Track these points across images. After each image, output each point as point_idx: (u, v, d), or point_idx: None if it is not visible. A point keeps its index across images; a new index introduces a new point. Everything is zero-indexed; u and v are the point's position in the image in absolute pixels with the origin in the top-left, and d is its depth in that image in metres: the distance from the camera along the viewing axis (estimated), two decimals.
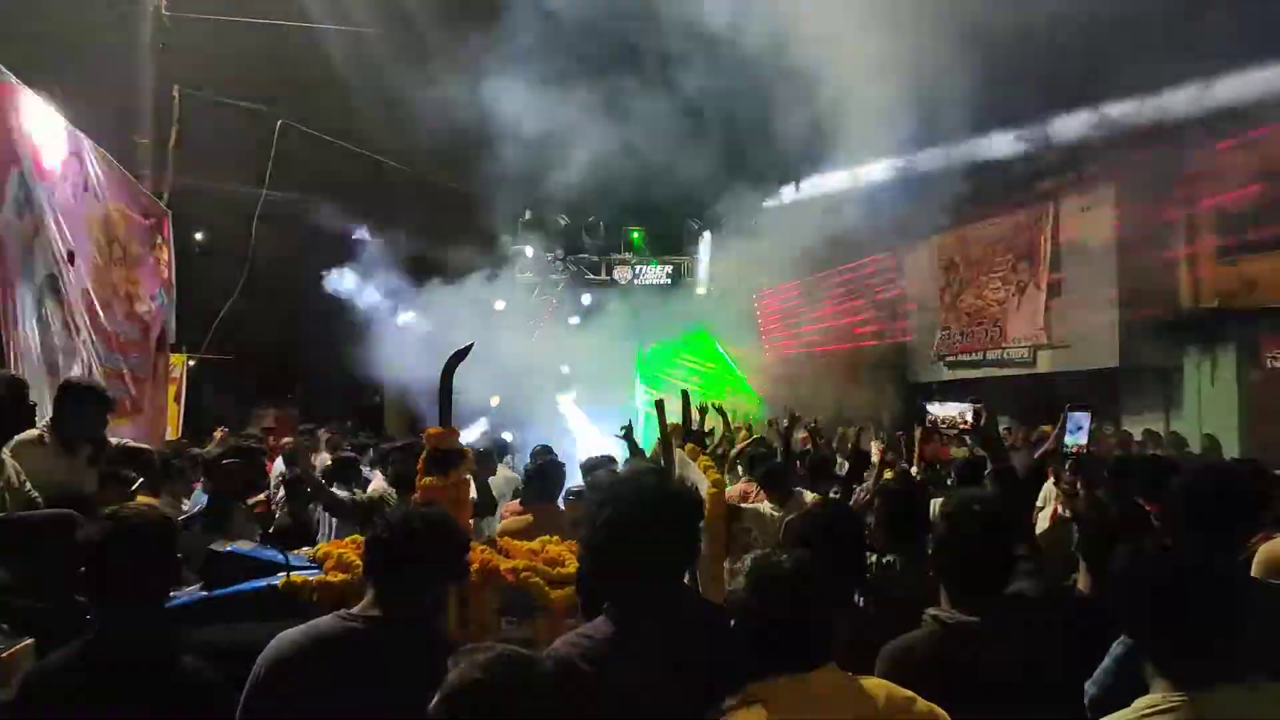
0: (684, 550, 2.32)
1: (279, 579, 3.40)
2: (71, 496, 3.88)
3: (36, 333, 6.45)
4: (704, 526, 3.45)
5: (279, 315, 15.12)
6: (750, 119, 13.17)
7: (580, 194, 14.14)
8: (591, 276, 17.92)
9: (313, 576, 3.45)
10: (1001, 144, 13.68)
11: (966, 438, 4.69)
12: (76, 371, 6.86)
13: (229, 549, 3.78)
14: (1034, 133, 13.44)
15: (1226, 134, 12.11)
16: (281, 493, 6.56)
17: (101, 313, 7.57)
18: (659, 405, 4.43)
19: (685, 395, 4.53)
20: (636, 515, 2.21)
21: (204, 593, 3.50)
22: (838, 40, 11.19)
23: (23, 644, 2.96)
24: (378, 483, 7.96)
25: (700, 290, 17.71)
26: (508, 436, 11.18)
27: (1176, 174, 12.83)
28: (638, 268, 17.99)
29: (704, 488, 3.63)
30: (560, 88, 12.58)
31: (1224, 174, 12.52)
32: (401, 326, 14.34)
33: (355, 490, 7.21)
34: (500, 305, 15.22)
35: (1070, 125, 12.82)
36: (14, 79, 6.24)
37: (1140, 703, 1.97)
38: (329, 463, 7.70)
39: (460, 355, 3.94)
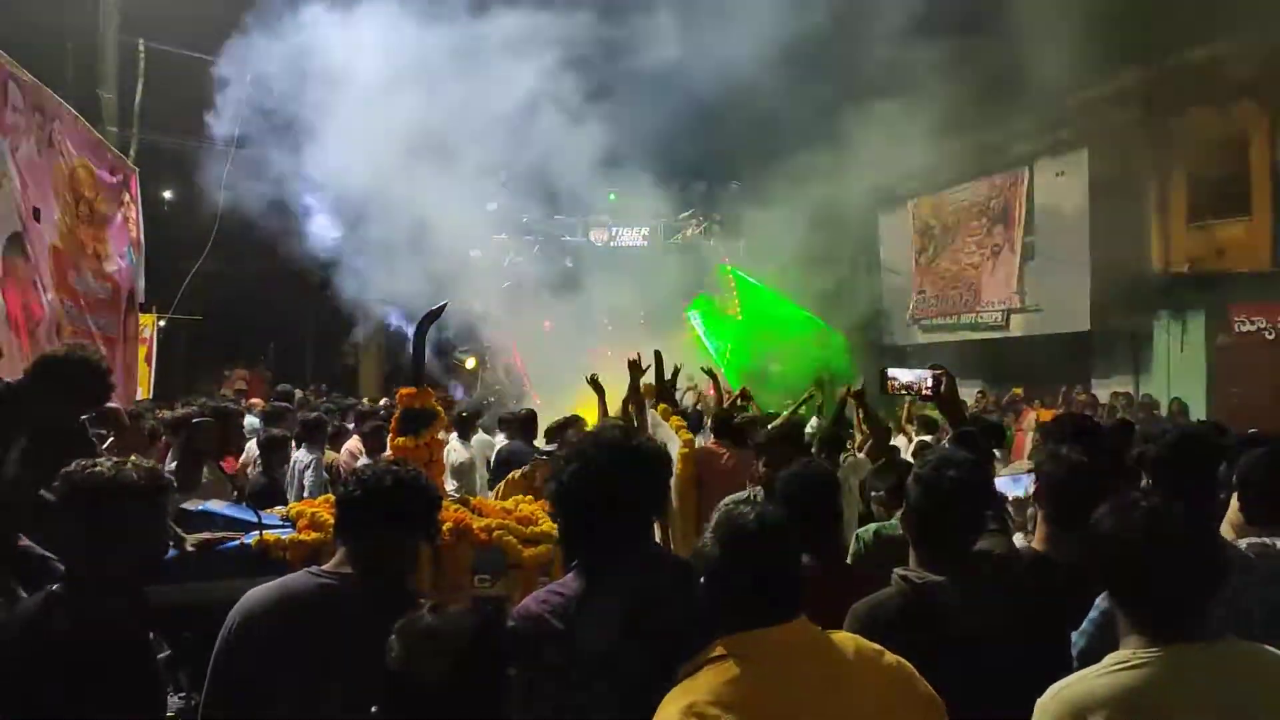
0: (648, 504, 2.34)
1: (251, 537, 3.40)
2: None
3: (1, 294, 6.33)
4: (674, 485, 3.49)
5: (249, 275, 14.94)
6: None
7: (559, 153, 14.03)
8: (568, 239, 17.84)
9: (285, 535, 3.45)
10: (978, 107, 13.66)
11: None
12: (45, 332, 6.76)
13: (200, 507, 3.76)
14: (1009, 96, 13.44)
15: (1198, 99, 12.21)
16: (256, 453, 6.53)
17: (70, 272, 7.44)
18: (632, 365, 4.43)
19: (658, 355, 4.54)
20: (599, 470, 2.23)
21: (174, 550, 3.49)
22: None
23: None
24: (353, 443, 8.00)
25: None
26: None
27: (1149, 139, 12.92)
28: (614, 229, 17.93)
29: (675, 448, 3.65)
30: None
31: (1195, 139, 12.64)
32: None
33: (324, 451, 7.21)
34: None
35: (1046, 89, 12.82)
36: None
37: (1111, 658, 2.00)
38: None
39: (433, 315, 3.92)
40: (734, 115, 13.51)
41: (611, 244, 17.80)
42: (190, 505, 3.79)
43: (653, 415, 4.00)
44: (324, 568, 2.35)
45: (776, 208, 14.94)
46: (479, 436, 9.13)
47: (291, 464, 6.65)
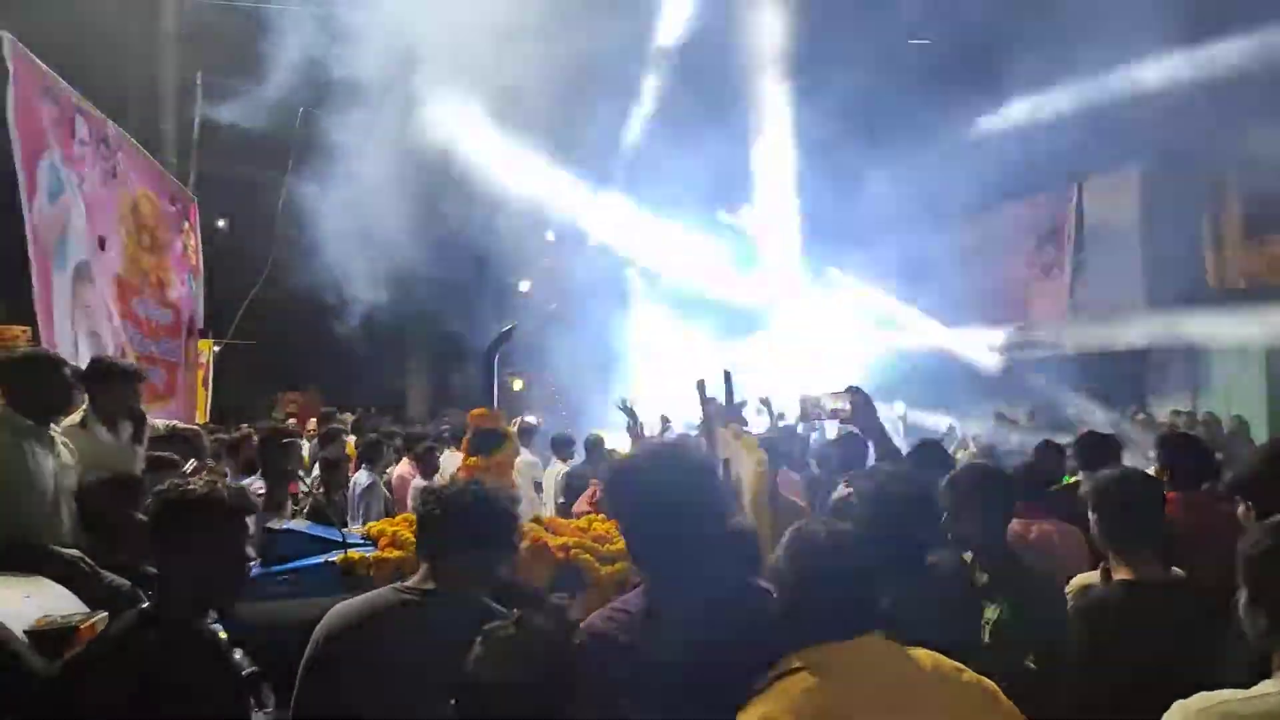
0: (709, 524, 2.32)
1: (335, 555, 3.45)
2: (122, 478, 3.91)
3: (71, 320, 6.53)
4: (750, 504, 3.48)
5: (302, 302, 15.20)
6: None
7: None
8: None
9: (369, 553, 3.50)
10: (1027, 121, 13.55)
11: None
12: (111, 355, 6.94)
13: (285, 526, 3.85)
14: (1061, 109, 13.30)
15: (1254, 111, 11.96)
16: (316, 473, 6.64)
17: (133, 298, 7.66)
18: (699, 385, 4.43)
19: (727, 374, 4.53)
20: (658, 492, 2.23)
21: (261, 568, 3.57)
22: None
23: (99, 616, 2.97)
24: (404, 466, 8.08)
25: None
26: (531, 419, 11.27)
27: (1204, 153, 12.69)
28: None
29: (749, 468, 3.63)
30: None
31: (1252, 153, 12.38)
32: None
33: (383, 473, 7.32)
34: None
35: (1098, 102, 12.67)
36: (43, 66, 6.29)
37: (1262, 685, 1.85)
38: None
39: (503, 338, 4.02)
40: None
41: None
42: (275, 524, 3.87)
43: (723, 434, 3.99)
44: (407, 584, 2.38)
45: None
46: (523, 457, 9.20)
47: (351, 486, 6.74)
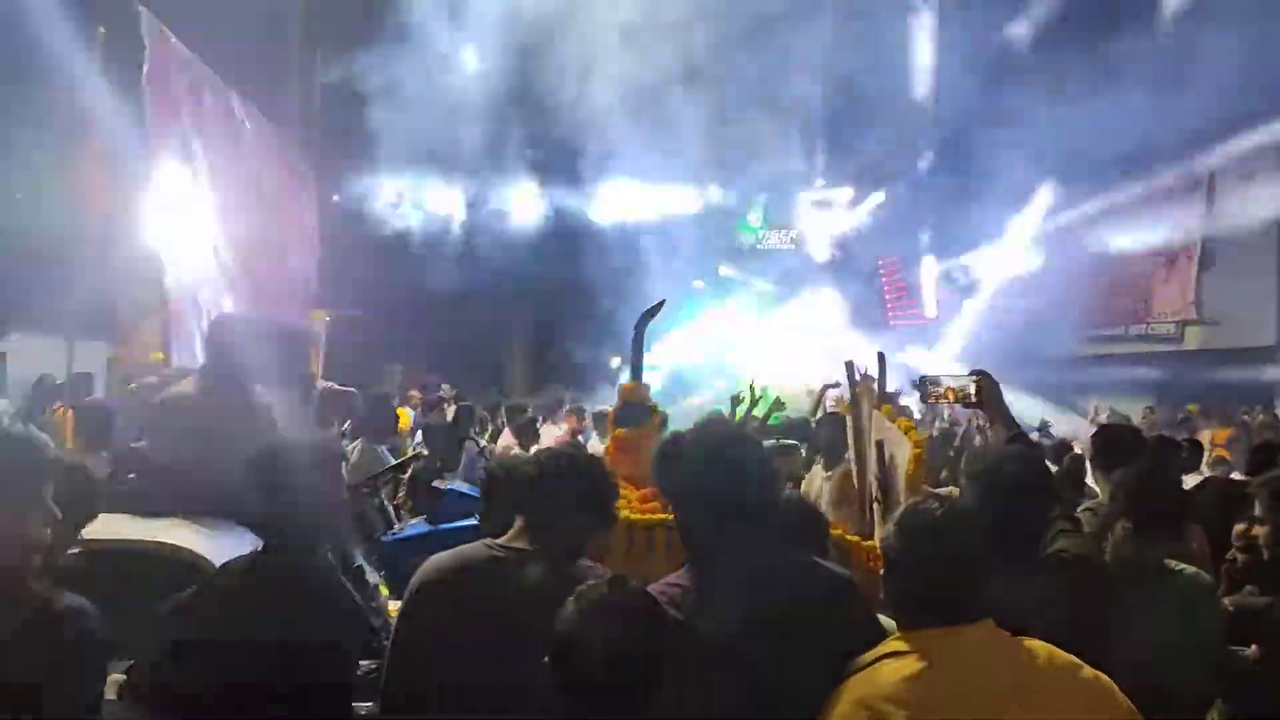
0: (757, 500, 2.31)
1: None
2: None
3: (197, 284, 6.85)
4: (906, 488, 3.42)
5: (410, 276, 15.61)
6: None
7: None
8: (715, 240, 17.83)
9: None
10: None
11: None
12: None
13: (449, 486, 4.01)
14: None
15: None
16: (419, 438, 6.89)
17: (256, 266, 7.99)
18: (849, 366, 4.33)
19: (881, 356, 4.44)
20: (704, 467, 2.25)
21: (428, 526, 3.72)
22: None
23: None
24: (506, 438, 8.27)
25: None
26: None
27: None
28: (763, 232, 17.85)
29: (907, 450, 3.54)
30: None
31: None
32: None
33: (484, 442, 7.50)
34: None
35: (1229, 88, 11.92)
36: (177, 42, 6.59)
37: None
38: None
39: (652, 312, 4.09)
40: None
41: (758, 246, 17.72)
42: (440, 484, 4.04)
43: (877, 417, 3.89)
44: (500, 540, 2.45)
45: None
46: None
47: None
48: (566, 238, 15.38)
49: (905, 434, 3.77)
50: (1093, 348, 16.44)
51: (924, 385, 3.94)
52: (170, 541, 3.27)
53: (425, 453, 6.17)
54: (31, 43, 6.12)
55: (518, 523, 2.46)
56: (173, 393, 3.98)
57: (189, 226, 6.82)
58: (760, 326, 15.53)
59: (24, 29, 6.02)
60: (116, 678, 2.39)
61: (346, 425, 6.10)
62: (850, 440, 4.26)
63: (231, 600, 2.41)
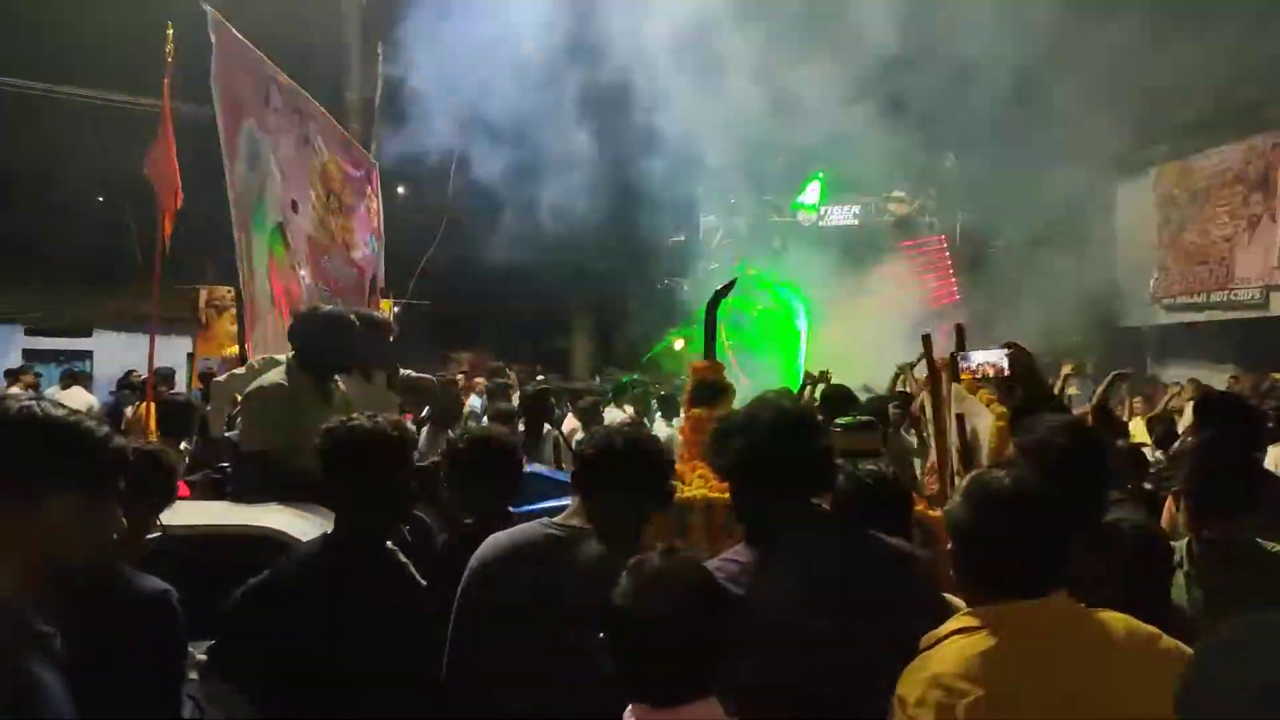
0: (811, 474, 2.34)
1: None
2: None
3: (268, 278, 7.02)
4: (986, 459, 3.38)
5: (473, 264, 15.80)
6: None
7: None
8: (776, 219, 17.67)
9: None
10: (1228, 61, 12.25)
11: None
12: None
13: (529, 469, 4.09)
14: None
15: None
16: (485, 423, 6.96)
17: (322, 258, 8.16)
18: (925, 338, 4.29)
19: (959, 328, 4.38)
20: (754, 444, 2.27)
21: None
22: None
23: None
24: (570, 421, 8.36)
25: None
26: None
27: None
28: (824, 208, 17.57)
29: (988, 422, 3.49)
30: None
31: None
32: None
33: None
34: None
35: None
36: (242, 38, 6.73)
37: None
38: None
39: (725, 290, 4.13)
40: (953, 80, 12.78)
41: (820, 223, 17.45)
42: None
43: (956, 389, 3.84)
44: (555, 520, 2.49)
45: (998, 180, 14.06)
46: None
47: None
48: (625, 216, 15.41)
49: (987, 406, 3.70)
50: (1170, 316, 15.89)
51: (954, 362, 3.86)
52: (263, 525, 3.40)
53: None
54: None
55: (574, 502, 2.49)
56: (263, 383, 4.14)
57: (263, 222, 7.00)
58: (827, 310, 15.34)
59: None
60: (200, 657, 2.48)
61: (425, 411, 6.23)
62: (928, 415, 4.21)
63: (300, 580, 2.48)
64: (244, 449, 4.14)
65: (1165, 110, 13.65)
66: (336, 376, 4.26)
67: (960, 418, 3.74)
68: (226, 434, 5.43)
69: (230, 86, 6.47)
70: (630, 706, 1.75)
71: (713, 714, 1.74)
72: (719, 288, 4.32)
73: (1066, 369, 6.66)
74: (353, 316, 4.39)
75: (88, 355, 15.55)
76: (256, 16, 7.50)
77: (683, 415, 4.32)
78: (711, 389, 3.96)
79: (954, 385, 3.87)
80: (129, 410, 9.81)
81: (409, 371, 6.30)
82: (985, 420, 3.56)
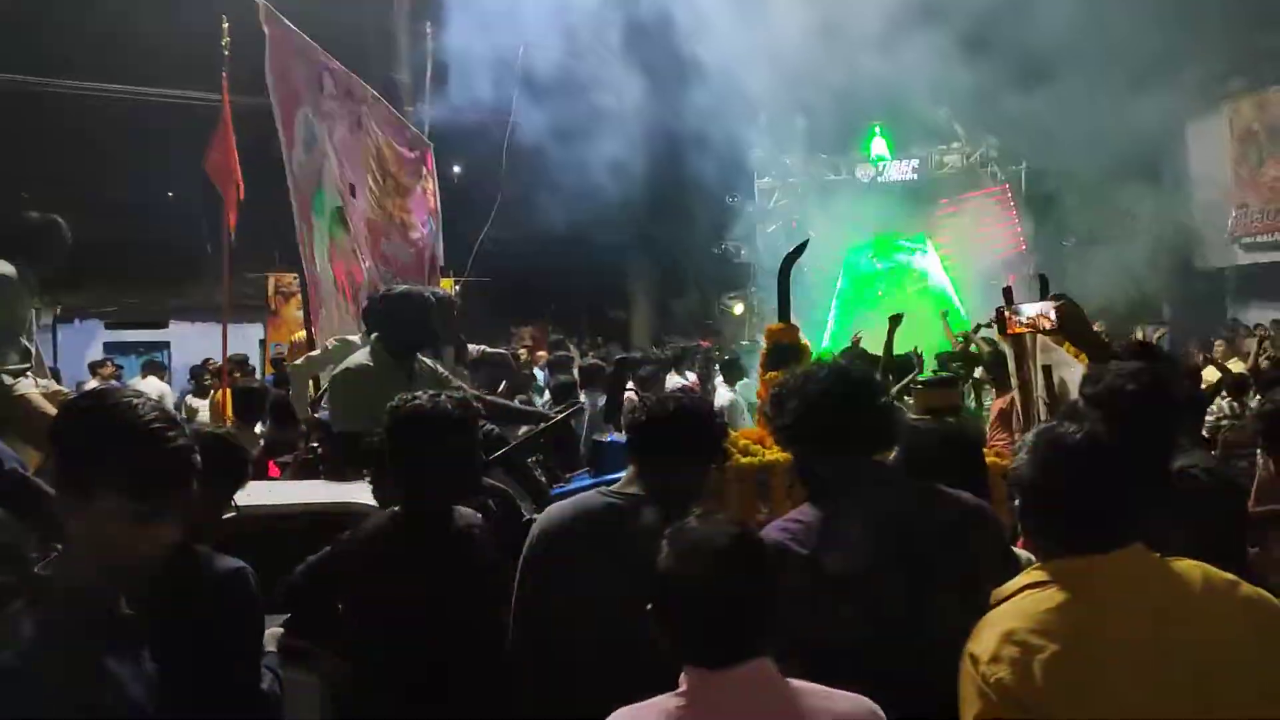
0: (873, 432, 2.33)
1: None
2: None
3: (329, 262, 7.16)
4: None
5: (531, 239, 15.89)
6: None
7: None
8: (832, 177, 17.39)
9: None
10: None
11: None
12: (364, 294, 7.58)
13: (610, 438, 4.18)
14: None
15: None
16: (547, 397, 7.06)
17: (381, 240, 8.29)
18: (1006, 291, 4.22)
19: (1043, 278, 4.31)
20: (814, 402, 2.27)
21: (590, 478, 3.92)
22: None
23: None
24: (629, 393, 8.41)
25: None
26: None
27: None
28: (880, 164, 17.21)
29: (1076, 372, 3.43)
30: None
31: None
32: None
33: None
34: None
35: None
36: (293, 27, 6.82)
37: None
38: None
39: (797, 251, 4.14)
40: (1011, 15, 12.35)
41: (879, 179, 17.12)
42: (600, 436, 4.23)
43: (1043, 340, 3.77)
44: (613, 488, 2.51)
45: (1063, 122, 13.56)
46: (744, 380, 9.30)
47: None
48: (679, 180, 15.31)
49: (1076, 357, 3.64)
50: (1250, 256, 15.27)
51: (1001, 317, 3.78)
52: (351, 500, 3.53)
53: (585, 404, 6.34)
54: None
55: (629, 469, 2.52)
56: (350, 365, 4.31)
57: (323, 207, 7.12)
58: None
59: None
60: (275, 631, 2.58)
61: (502, 387, 6.36)
62: (1011, 367, 4.15)
63: (364, 551, 2.57)
64: (335, 429, 4.31)
65: (1241, 39, 12.99)
66: (419, 354, 4.40)
67: (1047, 369, 3.67)
68: (316, 415, 5.62)
69: (285, 75, 6.58)
70: (684, 670, 1.76)
71: (766, 673, 1.74)
72: (790, 250, 4.29)
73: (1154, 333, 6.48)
74: (425, 295, 4.51)
75: (165, 346, 16.11)
76: (305, 4, 7.58)
77: (758, 378, 4.36)
78: (787, 351, 3.99)
79: (1039, 337, 3.79)
80: (202, 399, 10.17)
81: (484, 347, 6.46)
82: (1074, 371, 3.49)
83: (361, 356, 4.34)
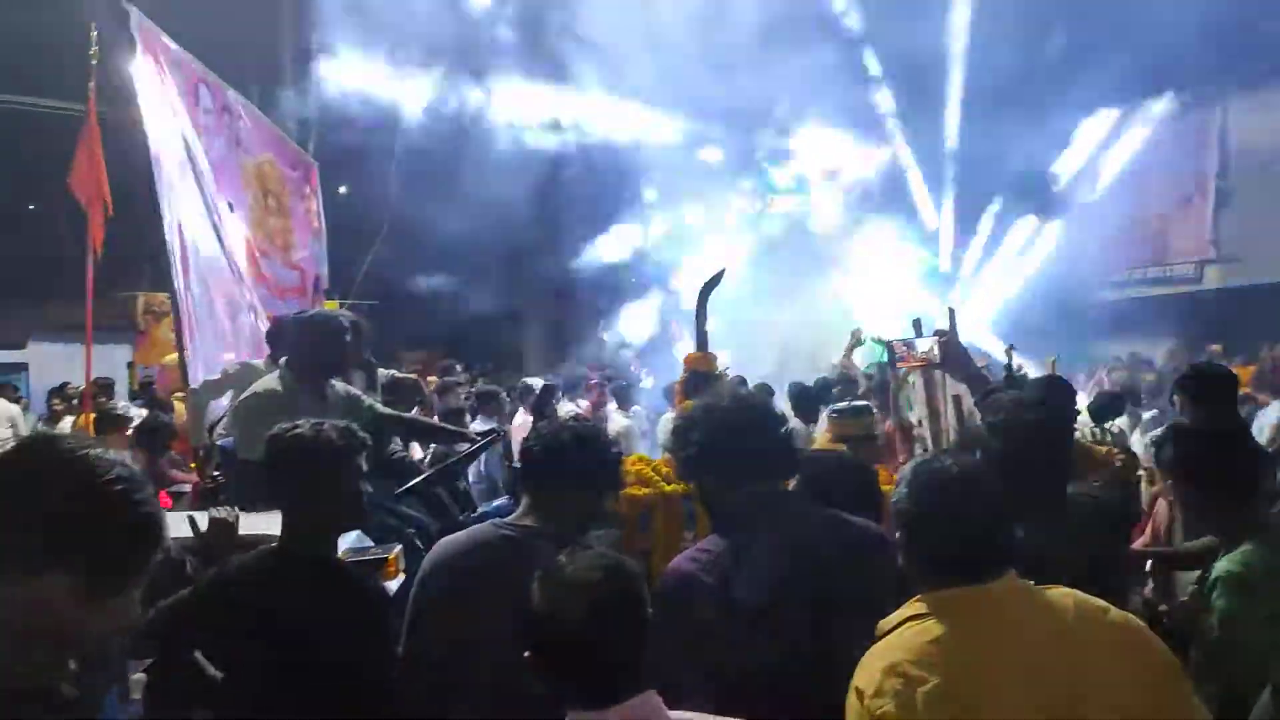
0: (774, 461, 2.35)
1: None
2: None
3: (207, 284, 6.83)
4: None
5: (420, 261, 15.62)
6: None
7: None
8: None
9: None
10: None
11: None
12: (246, 318, 7.26)
13: None
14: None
15: None
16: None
17: (261, 261, 7.97)
18: (916, 324, 4.33)
19: (951, 311, 4.41)
20: (716, 433, 2.29)
21: (511, 501, 3.84)
22: None
23: (397, 549, 3.40)
24: (521, 416, 8.28)
25: None
26: None
27: None
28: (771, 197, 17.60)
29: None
30: None
31: None
32: None
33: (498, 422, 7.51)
34: None
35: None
36: (169, 40, 6.53)
37: None
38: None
39: (713, 282, 4.16)
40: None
41: (770, 210, 17.50)
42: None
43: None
44: (509, 519, 2.47)
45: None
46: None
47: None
48: (573, 203, 15.33)
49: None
50: (1111, 293, 16.26)
51: (891, 352, 3.91)
52: (262, 533, 3.34)
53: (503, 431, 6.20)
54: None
55: (524, 501, 2.47)
56: (257, 389, 4.14)
57: (194, 226, 6.80)
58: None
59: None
60: (139, 679, 2.42)
61: (415, 412, 6.20)
62: (920, 395, 4.26)
63: (232, 595, 2.44)
64: (240, 455, 4.09)
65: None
66: (329, 378, 4.26)
67: (957, 399, 3.78)
68: (218, 442, 5.36)
69: (156, 87, 6.28)
70: (567, 714, 1.71)
71: (649, 708, 1.71)
72: (707, 279, 4.33)
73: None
74: (343, 319, 4.38)
75: (23, 368, 15.11)
76: (184, 15, 7.28)
77: (676, 406, 4.38)
78: (703, 379, 4.00)
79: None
80: (68, 421, 9.55)
81: (394, 372, 6.31)
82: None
83: (270, 381, 4.20)
